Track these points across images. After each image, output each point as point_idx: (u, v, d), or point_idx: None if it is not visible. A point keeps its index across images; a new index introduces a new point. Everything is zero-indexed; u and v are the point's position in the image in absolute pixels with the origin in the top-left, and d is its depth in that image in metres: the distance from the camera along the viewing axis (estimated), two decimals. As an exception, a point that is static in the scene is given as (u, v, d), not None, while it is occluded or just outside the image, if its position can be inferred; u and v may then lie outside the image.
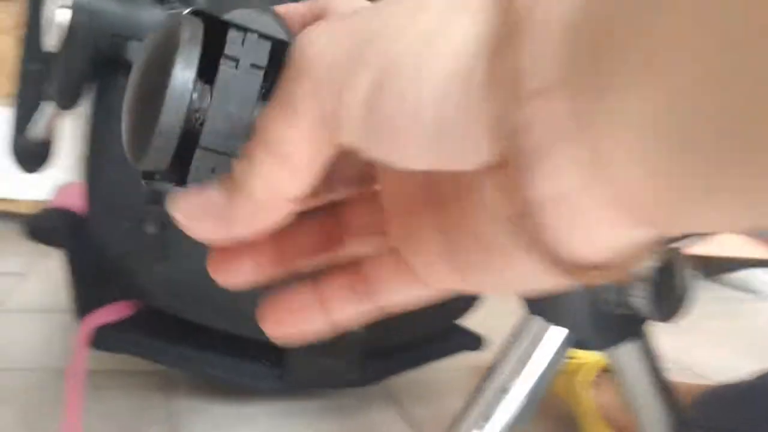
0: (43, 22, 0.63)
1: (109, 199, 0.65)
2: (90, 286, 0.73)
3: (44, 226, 0.91)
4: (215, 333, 0.72)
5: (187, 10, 0.26)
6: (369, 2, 0.23)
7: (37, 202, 1.09)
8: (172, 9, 0.65)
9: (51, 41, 0.63)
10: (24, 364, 0.81)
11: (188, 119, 0.26)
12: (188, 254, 0.66)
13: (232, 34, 0.24)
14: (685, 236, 0.63)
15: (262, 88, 0.26)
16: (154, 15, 0.63)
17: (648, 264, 0.50)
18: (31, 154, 0.74)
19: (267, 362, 0.74)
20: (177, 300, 0.68)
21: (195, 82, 0.24)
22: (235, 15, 0.25)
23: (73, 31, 0.61)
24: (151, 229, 0.63)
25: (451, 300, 0.78)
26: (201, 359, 0.72)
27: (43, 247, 0.87)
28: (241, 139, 0.25)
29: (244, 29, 0.24)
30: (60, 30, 0.62)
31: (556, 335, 0.53)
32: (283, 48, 0.25)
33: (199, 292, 0.69)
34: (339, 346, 0.77)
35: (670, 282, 0.51)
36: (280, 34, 0.25)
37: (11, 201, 1.74)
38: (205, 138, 0.25)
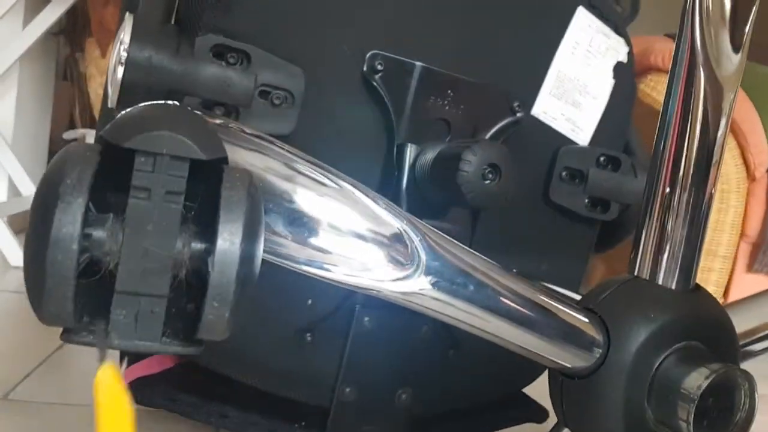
0: (108, 78, 0.64)
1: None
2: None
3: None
4: (258, 393, 0.70)
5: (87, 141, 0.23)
6: None
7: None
8: (230, 65, 0.64)
9: (112, 97, 0.63)
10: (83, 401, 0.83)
11: (95, 264, 0.24)
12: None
13: (139, 161, 0.22)
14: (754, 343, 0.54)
15: (187, 212, 0.23)
16: (211, 71, 0.62)
17: (698, 382, 0.42)
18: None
19: (311, 428, 0.71)
20: (212, 354, 0.67)
21: (81, 231, 0.22)
22: (141, 138, 0.22)
23: (126, 87, 0.61)
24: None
25: (516, 364, 0.71)
26: (239, 419, 0.70)
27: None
28: (163, 276, 0.23)
29: (153, 154, 0.21)
30: (117, 86, 0.62)
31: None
32: (208, 165, 0.22)
33: (233, 346, 0.67)
34: (386, 412, 0.73)
35: (725, 405, 0.43)
36: (196, 153, 0.22)
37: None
38: (121, 281, 0.23)
